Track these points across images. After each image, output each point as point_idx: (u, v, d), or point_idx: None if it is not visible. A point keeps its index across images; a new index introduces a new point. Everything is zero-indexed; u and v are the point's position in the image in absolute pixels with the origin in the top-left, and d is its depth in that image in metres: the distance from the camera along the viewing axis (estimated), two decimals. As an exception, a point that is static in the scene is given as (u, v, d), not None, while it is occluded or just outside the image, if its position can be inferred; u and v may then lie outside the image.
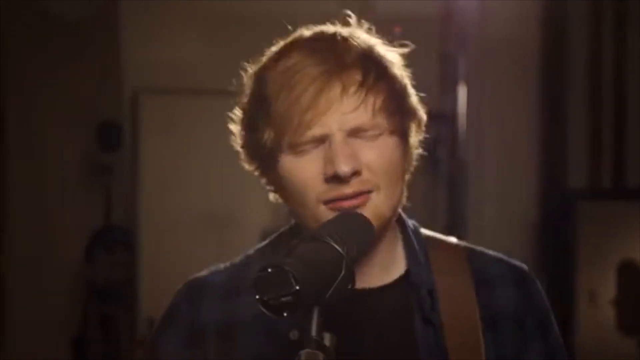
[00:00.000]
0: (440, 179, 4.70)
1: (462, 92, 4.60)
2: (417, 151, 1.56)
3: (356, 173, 1.45)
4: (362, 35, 1.52)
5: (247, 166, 1.58)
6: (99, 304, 4.42)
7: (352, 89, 1.43)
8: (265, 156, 1.50)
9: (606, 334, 4.20)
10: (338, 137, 1.43)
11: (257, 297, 1.24)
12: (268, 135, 1.47)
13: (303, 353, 1.24)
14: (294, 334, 1.32)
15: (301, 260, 1.26)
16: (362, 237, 1.39)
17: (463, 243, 1.65)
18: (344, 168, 1.41)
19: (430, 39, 4.58)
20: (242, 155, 1.57)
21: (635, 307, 4.20)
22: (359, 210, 1.45)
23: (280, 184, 1.50)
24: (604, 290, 4.20)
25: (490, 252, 1.66)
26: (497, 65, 4.80)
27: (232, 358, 1.49)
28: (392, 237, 1.58)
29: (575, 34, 5.05)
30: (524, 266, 1.65)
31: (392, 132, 1.48)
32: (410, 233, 1.60)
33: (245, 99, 1.54)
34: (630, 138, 4.97)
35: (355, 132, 1.45)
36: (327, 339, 1.27)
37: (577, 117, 5.04)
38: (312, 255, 1.28)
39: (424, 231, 1.64)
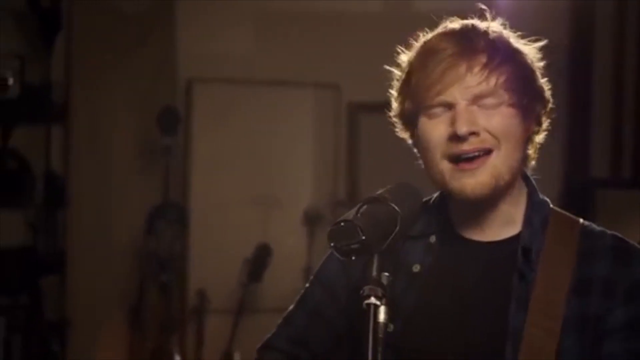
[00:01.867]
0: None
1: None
2: (542, 128, 1.74)
3: (474, 134, 1.64)
4: (497, 28, 1.72)
5: (402, 134, 1.76)
6: (157, 273, 4.60)
7: (477, 69, 1.65)
8: (409, 122, 1.72)
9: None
10: (461, 105, 1.64)
11: (332, 244, 1.50)
12: (408, 104, 1.71)
13: (366, 289, 1.48)
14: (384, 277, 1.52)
15: (366, 217, 1.51)
16: (413, 202, 1.62)
17: (587, 222, 1.76)
18: (463, 129, 1.63)
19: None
20: (397, 125, 1.76)
21: None
22: (478, 171, 1.64)
23: (419, 145, 1.71)
24: None
25: (608, 231, 1.75)
26: None
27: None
28: (516, 202, 1.73)
29: (601, 32, 5.14)
30: (635, 245, 1.72)
31: (511, 105, 1.66)
32: (536, 203, 1.75)
33: (397, 80, 1.74)
34: None
35: (476, 101, 1.65)
36: (384, 278, 1.50)
37: (601, 111, 5.14)
38: (375, 213, 1.53)
39: (552, 206, 1.77)
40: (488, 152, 1.66)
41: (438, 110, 1.66)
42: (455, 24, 1.74)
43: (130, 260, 4.81)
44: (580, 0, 5.04)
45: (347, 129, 5.17)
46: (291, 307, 1.86)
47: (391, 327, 1.55)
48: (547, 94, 1.76)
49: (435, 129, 1.66)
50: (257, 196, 5.01)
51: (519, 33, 1.77)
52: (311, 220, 4.89)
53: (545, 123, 1.75)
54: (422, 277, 1.70)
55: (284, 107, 5.09)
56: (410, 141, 1.73)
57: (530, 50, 1.75)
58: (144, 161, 4.85)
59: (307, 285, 1.85)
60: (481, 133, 1.65)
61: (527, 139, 1.73)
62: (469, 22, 1.74)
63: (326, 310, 1.80)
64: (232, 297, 4.73)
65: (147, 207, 4.68)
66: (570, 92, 5.12)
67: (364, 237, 1.48)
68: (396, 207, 1.53)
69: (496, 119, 1.66)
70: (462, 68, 1.65)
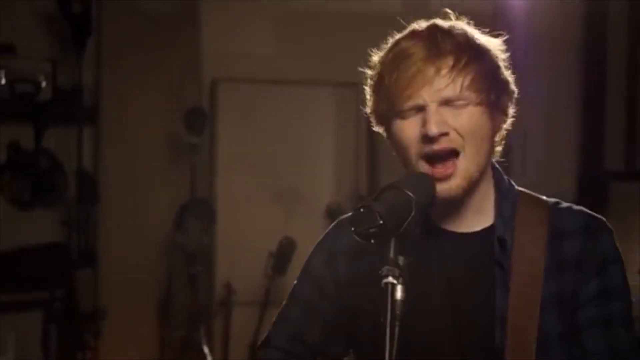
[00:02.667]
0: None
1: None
2: (507, 118, 1.78)
3: (444, 134, 1.71)
4: (461, 27, 1.76)
5: (377, 129, 1.84)
6: (186, 266, 4.66)
7: (444, 71, 1.70)
8: (383, 120, 1.80)
9: (634, 303, 4.37)
10: (431, 107, 1.70)
11: (353, 228, 1.58)
12: (382, 105, 1.79)
13: (384, 269, 1.56)
14: (400, 259, 1.60)
15: (384, 203, 1.59)
16: (427, 190, 1.70)
17: (552, 200, 1.82)
18: (434, 130, 1.70)
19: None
20: (372, 120, 1.83)
21: None
22: (451, 177, 1.71)
23: (394, 143, 1.80)
24: (631, 260, 4.15)
25: (575, 206, 1.81)
26: (542, 57, 4.90)
27: (356, 272, 1.77)
28: (485, 191, 1.80)
29: (615, 30, 5.18)
30: (602, 219, 1.79)
31: (478, 104, 1.71)
32: (504, 189, 1.81)
33: (370, 79, 1.82)
34: None
35: (445, 103, 1.71)
36: (401, 260, 1.57)
37: (615, 105, 5.19)
38: (392, 199, 1.61)
39: (519, 188, 1.82)
40: (457, 153, 1.72)
41: (410, 112, 1.73)
42: (421, 24, 1.78)
43: (159, 254, 4.85)
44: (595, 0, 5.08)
45: (367, 125, 5.18)
46: (284, 303, 1.92)
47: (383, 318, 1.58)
48: (512, 85, 1.78)
49: (408, 130, 1.73)
50: (281, 191, 5.05)
51: (484, 30, 1.78)
52: (333, 214, 4.84)
53: (511, 111, 1.79)
54: (408, 269, 1.70)
55: (305, 106, 5.11)
56: (384, 135, 1.80)
57: (494, 45, 1.77)
58: (172, 159, 4.89)
59: (295, 282, 1.92)
60: (450, 133, 1.72)
61: (496, 131, 1.77)
62: (435, 23, 1.77)
63: (317, 304, 1.86)
64: (257, 289, 4.78)
65: (175, 203, 4.73)
66: (584, 88, 5.19)
67: (382, 222, 1.55)
68: (411, 194, 1.61)
69: (464, 119, 1.72)
70: (431, 71, 1.71)
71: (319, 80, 5.11)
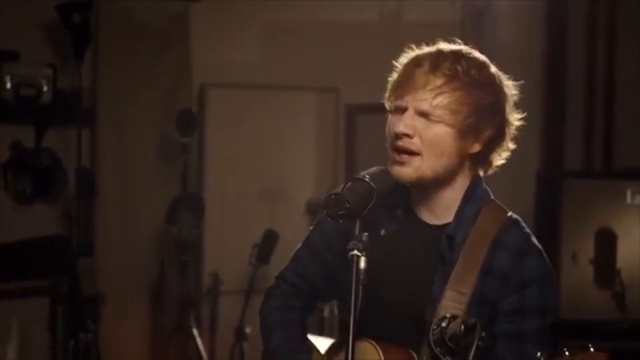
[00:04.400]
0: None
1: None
2: (483, 144, 1.94)
3: (407, 135, 1.94)
4: (477, 59, 1.95)
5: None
6: (177, 255, 4.81)
7: (430, 87, 1.92)
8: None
9: (585, 288, 4.41)
10: (410, 111, 1.95)
11: (325, 211, 1.88)
12: (388, 94, 2.03)
13: (351, 244, 1.83)
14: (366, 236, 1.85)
15: (351, 191, 1.89)
16: (386, 181, 1.95)
17: (514, 216, 2.01)
18: (400, 128, 1.95)
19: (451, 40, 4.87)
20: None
21: (609, 266, 4.40)
22: (405, 165, 1.95)
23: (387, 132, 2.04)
24: (585, 251, 4.46)
25: (526, 230, 1.99)
26: (506, 64, 5.13)
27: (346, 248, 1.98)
28: (457, 194, 2.01)
29: (574, 39, 5.34)
30: (538, 247, 1.96)
31: (449, 125, 1.93)
32: (473, 196, 2.01)
33: (394, 69, 2.05)
34: (619, 128, 5.28)
35: (421, 114, 1.94)
36: (365, 237, 1.84)
37: (574, 110, 5.34)
38: (357, 188, 1.90)
39: (493, 198, 2.02)
40: (414, 154, 1.96)
41: (397, 110, 2.00)
42: (440, 45, 1.99)
43: (152, 245, 4.97)
44: (555, 2, 5.23)
45: (345, 128, 5.35)
46: (299, 246, 2.21)
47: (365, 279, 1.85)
48: (508, 126, 2.01)
49: (391, 123, 2.01)
50: (265, 189, 5.19)
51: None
52: (313, 210, 5.01)
53: (507, 149, 2.02)
54: (385, 239, 2.04)
55: (288, 109, 5.25)
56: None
57: (499, 81, 1.98)
58: (164, 158, 4.99)
59: (310, 232, 2.20)
60: (414, 137, 1.96)
61: (466, 154, 1.98)
62: (455, 48, 1.98)
63: (323, 252, 2.15)
64: (243, 278, 4.92)
65: (167, 198, 4.83)
66: (545, 94, 5.35)
67: (349, 206, 1.86)
68: (373, 184, 1.90)
69: (431, 132, 1.96)
70: (421, 83, 1.95)
71: (301, 86, 5.24)
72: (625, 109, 5.30)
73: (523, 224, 2.03)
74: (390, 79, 2.03)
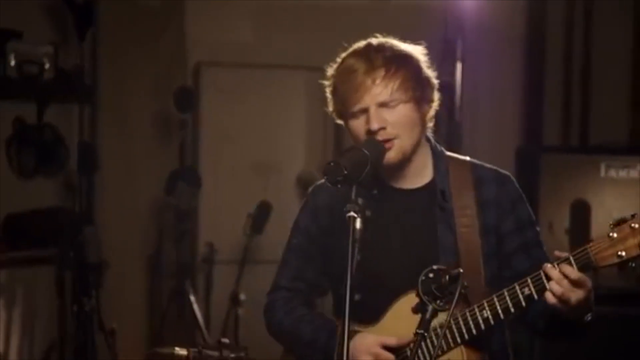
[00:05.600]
0: (440, 136, 5.11)
1: (458, 68, 4.94)
2: (432, 104, 2.21)
3: (382, 128, 2.19)
4: (389, 43, 2.23)
5: (338, 122, 2.29)
6: (175, 224, 4.97)
7: (378, 81, 2.17)
8: (342, 117, 2.27)
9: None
10: (372, 109, 2.20)
11: (325, 177, 2.06)
12: (339, 106, 2.26)
13: (348, 206, 2.00)
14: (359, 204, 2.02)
15: (348, 159, 2.07)
16: (378, 150, 2.16)
17: (470, 160, 2.30)
18: (374, 126, 2.20)
19: (435, 26, 4.91)
20: (334, 116, 2.29)
21: (583, 235, 4.43)
22: (390, 150, 2.15)
23: (350, 134, 2.27)
24: (561, 222, 4.57)
25: (487, 165, 2.31)
26: (489, 47, 5.18)
27: (333, 220, 2.17)
28: (423, 156, 2.26)
29: (552, 16, 5.45)
30: (507, 173, 2.30)
31: (407, 101, 2.18)
32: (438, 154, 2.28)
33: (328, 87, 2.30)
34: (594, 106, 5.45)
35: (382, 105, 2.20)
36: (360, 201, 2.02)
37: (552, 89, 5.49)
38: (353, 156, 2.08)
39: (447, 152, 2.31)
40: (394, 138, 2.19)
41: (358, 113, 2.23)
42: (361, 44, 2.24)
43: (150, 215, 5.12)
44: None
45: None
46: (282, 255, 2.39)
47: (358, 257, 2.02)
48: (433, 79, 2.25)
49: (359, 127, 2.24)
50: (258, 162, 5.31)
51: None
52: (303, 181, 5.07)
53: (436, 99, 2.27)
54: (372, 219, 2.17)
55: (280, 87, 5.34)
56: (344, 126, 2.28)
57: (415, 51, 2.24)
58: (163, 132, 5.13)
59: (290, 236, 2.40)
60: (387, 127, 2.20)
61: (424, 117, 2.24)
62: (369, 42, 2.23)
63: (308, 248, 2.35)
64: (237, 247, 5.05)
65: (165, 171, 4.95)
66: (526, 74, 5.48)
67: (346, 172, 2.05)
68: (367, 152, 2.11)
69: (397, 115, 2.21)
70: (369, 82, 2.20)
71: (291, 65, 5.29)
72: (601, 88, 5.45)
73: (481, 162, 2.33)
74: (330, 89, 2.26)
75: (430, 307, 2.00)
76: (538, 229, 2.34)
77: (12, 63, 4.69)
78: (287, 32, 5.31)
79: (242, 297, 4.93)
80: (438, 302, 2.01)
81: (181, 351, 2.17)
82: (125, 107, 5.09)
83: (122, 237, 5.05)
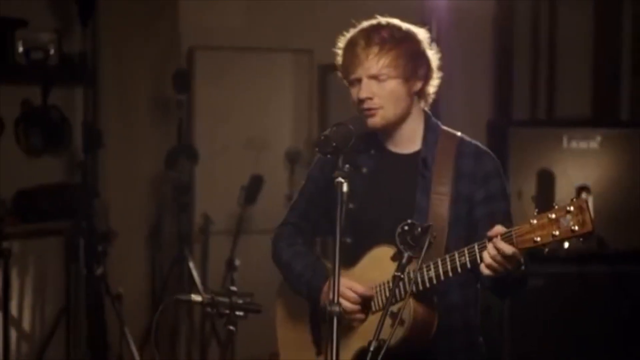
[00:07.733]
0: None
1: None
2: (424, 81, 2.39)
3: (370, 98, 2.38)
4: (392, 23, 2.43)
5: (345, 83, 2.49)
6: (175, 196, 5.11)
7: (371, 56, 2.38)
8: (346, 82, 2.48)
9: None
10: (364, 80, 2.39)
11: (317, 149, 2.30)
12: (343, 74, 2.48)
13: (335, 173, 2.21)
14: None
15: (335, 133, 2.31)
16: (361, 125, 2.40)
17: (461, 135, 2.46)
18: (363, 94, 2.40)
19: (411, 10, 4.50)
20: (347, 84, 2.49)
21: (548, 201, 4.47)
22: (374, 116, 2.37)
23: (350, 97, 2.49)
24: (528, 190, 4.72)
25: (473, 141, 2.46)
26: (462, 30, 5.25)
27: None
28: (414, 126, 2.45)
29: (521, 1, 5.58)
30: (487, 150, 2.46)
31: (395, 77, 2.38)
32: (430, 126, 2.46)
33: (338, 56, 2.50)
34: (559, 82, 5.62)
35: (373, 77, 2.38)
36: (347, 168, 2.23)
37: (520, 67, 5.65)
38: (341, 131, 2.32)
39: (443, 127, 2.48)
40: (379, 108, 2.43)
41: (354, 82, 2.48)
42: (367, 23, 2.48)
43: (151, 189, 5.24)
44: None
45: (318, 85, 5.54)
46: (294, 197, 2.66)
47: (351, 205, 2.32)
48: (430, 59, 2.47)
49: (354, 93, 2.50)
50: (249, 139, 5.42)
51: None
52: (291, 157, 5.34)
53: (435, 76, 2.49)
54: (368, 175, 2.52)
55: (268, 69, 5.44)
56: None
57: (415, 33, 2.46)
58: (161, 112, 5.21)
59: (303, 183, 2.66)
60: (374, 98, 2.44)
61: (413, 93, 2.46)
62: (372, 23, 2.47)
63: (315, 194, 2.62)
64: (231, 218, 5.21)
65: (164, 148, 5.07)
66: (495, 53, 5.65)
67: (334, 144, 2.31)
68: (352, 127, 2.37)
69: (384, 88, 2.44)
70: (363, 56, 2.43)
71: (279, 48, 5.42)
72: (566, 66, 5.61)
73: (469, 138, 2.54)
74: (338, 58, 2.48)
75: (405, 255, 2.28)
76: (509, 203, 2.46)
77: (20, 50, 4.79)
78: (276, 16, 5.40)
79: (237, 262, 5.09)
80: (412, 251, 2.27)
81: (197, 297, 2.46)
82: (125, 89, 5.18)
83: (126, 210, 5.17)
